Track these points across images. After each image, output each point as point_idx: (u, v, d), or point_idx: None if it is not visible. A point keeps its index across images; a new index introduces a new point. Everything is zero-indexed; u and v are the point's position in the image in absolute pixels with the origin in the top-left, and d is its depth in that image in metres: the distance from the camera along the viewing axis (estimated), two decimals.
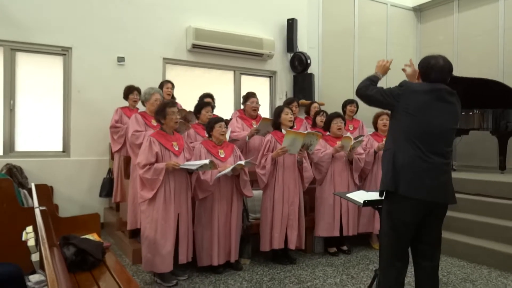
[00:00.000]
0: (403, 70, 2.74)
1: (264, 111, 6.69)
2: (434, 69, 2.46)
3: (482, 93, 6.08)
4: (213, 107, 4.61)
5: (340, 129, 4.48)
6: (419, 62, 2.59)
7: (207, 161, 3.44)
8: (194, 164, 3.48)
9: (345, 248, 4.54)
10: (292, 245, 4.06)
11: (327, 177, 4.44)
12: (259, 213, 4.28)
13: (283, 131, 4.04)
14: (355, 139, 4.36)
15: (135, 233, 4.38)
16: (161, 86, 5.20)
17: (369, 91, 2.59)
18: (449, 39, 8.03)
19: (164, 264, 3.42)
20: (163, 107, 3.59)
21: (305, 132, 3.95)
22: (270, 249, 4.06)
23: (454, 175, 5.55)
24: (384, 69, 2.73)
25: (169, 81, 5.33)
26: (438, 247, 2.57)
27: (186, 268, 3.75)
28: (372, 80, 2.65)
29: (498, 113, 5.84)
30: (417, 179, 2.37)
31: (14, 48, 5.18)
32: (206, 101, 4.65)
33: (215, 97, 5.19)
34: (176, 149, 3.61)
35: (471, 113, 5.99)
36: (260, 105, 4.95)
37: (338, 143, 4.37)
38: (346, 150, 4.36)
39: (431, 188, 2.38)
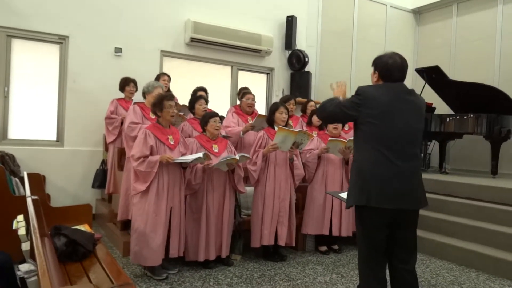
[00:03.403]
0: (331, 86, 2.76)
1: (261, 108, 6.68)
2: (393, 69, 2.43)
3: (477, 98, 6.12)
4: (206, 100, 4.59)
5: (336, 128, 4.49)
6: (375, 62, 2.53)
7: (201, 154, 3.44)
8: (188, 158, 3.48)
9: (335, 247, 4.57)
10: (282, 242, 4.07)
11: (318, 176, 4.45)
12: (251, 210, 4.29)
13: (276, 128, 4.05)
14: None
15: (126, 225, 4.37)
16: (158, 78, 5.19)
17: (328, 109, 2.53)
18: (447, 42, 8.06)
19: (152, 258, 3.41)
20: (161, 100, 3.57)
21: (297, 130, 3.96)
22: (260, 245, 4.07)
23: (446, 178, 5.67)
24: (344, 93, 2.70)
25: (165, 74, 5.31)
26: (413, 251, 2.52)
27: (177, 262, 3.74)
28: (331, 100, 2.58)
29: (493, 118, 5.88)
30: (385, 189, 2.33)
31: (10, 34, 5.12)
32: (199, 95, 4.64)
33: (211, 91, 5.17)
34: (172, 143, 3.60)
35: (465, 117, 6.03)
36: (255, 102, 4.93)
37: (323, 145, 4.39)
38: (333, 151, 4.37)
39: (400, 196, 2.34)
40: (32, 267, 2.04)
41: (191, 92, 5.07)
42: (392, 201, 2.34)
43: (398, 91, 2.43)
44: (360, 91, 2.44)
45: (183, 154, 3.63)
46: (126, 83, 5.13)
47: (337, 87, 2.73)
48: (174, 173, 3.55)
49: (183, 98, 5.31)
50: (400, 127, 2.37)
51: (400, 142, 2.38)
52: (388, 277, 2.55)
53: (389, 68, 2.44)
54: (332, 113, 2.52)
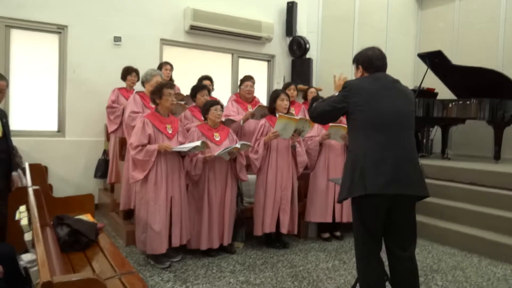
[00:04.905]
0: (334, 77, 2.82)
1: (262, 96, 6.65)
2: (374, 58, 2.52)
3: (480, 82, 6.07)
4: (209, 90, 4.56)
5: None
6: (356, 58, 2.61)
7: (198, 143, 3.43)
8: (186, 146, 3.47)
9: (338, 234, 4.58)
10: (284, 229, 4.08)
11: (320, 163, 4.44)
12: (253, 198, 4.29)
13: (277, 116, 4.03)
14: None
15: (129, 215, 4.39)
16: (160, 67, 5.17)
17: (318, 109, 2.59)
18: (450, 26, 7.95)
19: (153, 245, 3.43)
20: (160, 88, 3.56)
21: (298, 118, 3.94)
22: (262, 233, 4.08)
23: (449, 164, 5.65)
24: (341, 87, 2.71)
25: (168, 63, 5.28)
26: (412, 238, 2.48)
27: (180, 250, 3.76)
28: (323, 101, 2.64)
29: (495, 103, 5.83)
30: (381, 175, 2.30)
31: (9, 24, 5.09)
32: (202, 84, 4.61)
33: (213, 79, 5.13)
34: (170, 131, 3.59)
35: (468, 102, 5.98)
36: (254, 88, 4.89)
37: (324, 131, 4.37)
38: (335, 138, 4.35)
39: (396, 181, 2.30)
40: (35, 257, 2.05)
41: (191, 80, 5.04)
42: (388, 187, 2.30)
43: (384, 79, 2.49)
44: (347, 84, 2.50)
45: (181, 143, 3.63)
46: (128, 72, 5.12)
47: (338, 80, 2.76)
48: (172, 162, 3.55)
49: (184, 86, 5.28)
50: (390, 111, 2.38)
51: (392, 126, 2.38)
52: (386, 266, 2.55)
53: (370, 58, 2.53)
54: (323, 111, 2.58)
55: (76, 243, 2.83)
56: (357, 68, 2.60)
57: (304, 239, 4.51)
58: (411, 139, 2.45)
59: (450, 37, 7.90)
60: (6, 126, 3.32)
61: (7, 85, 3.28)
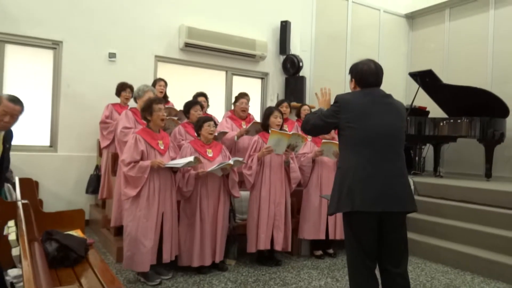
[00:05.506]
0: (316, 95, 2.85)
1: (256, 113, 6.68)
2: (368, 74, 2.51)
3: (470, 101, 6.15)
4: (202, 106, 4.58)
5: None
6: (351, 70, 2.61)
7: (191, 158, 3.42)
8: (179, 162, 3.46)
9: (331, 251, 4.55)
10: (278, 247, 4.05)
11: (313, 179, 4.44)
12: (246, 214, 4.27)
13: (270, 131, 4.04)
14: None
15: (120, 231, 4.33)
16: (154, 84, 5.18)
17: (310, 122, 2.61)
18: (440, 46, 8.11)
19: (143, 263, 3.39)
20: (150, 104, 3.57)
21: (290, 133, 3.96)
22: (256, 250, 4.05)
23: (441, 181, 5.68)
24: (328, 102, 2.74)
25: (162, 79, 5.30)
26: (403, 254, 2.47)
27: (171, 267, 3.71)
28: (314, 113, 2.67)
29: (486, 121, 5.91)
30: (369, 192, 2.31)
31: (3, 40, 5.11)
32: (195, 100, 4.63)
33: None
34: (162, 147, 3.58)
35: (459, 120, 6.06)
36: (249, 106, 4.92)
37: (317, 148, 4.39)
38: (327, 154, 4.37)
39: (384, 198, 2.31)
40: (21, 272, 2.02)
41: (185, 97, 5.06)
42: (376, 204, 2.31)
43: (375, 95, 2.49)
44: (338, 98, 2.51)
45: (173, 159, 3.62)
46: (122, 88, 5.13)
47: (321, 95, 2.80)
48: (165, 177, 3.53)
49: (178, 103, 5.29)
50: (379, 127, 2.39)
51: (381, 142, 2.38)
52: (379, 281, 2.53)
53: (364, 73, 2.52)
54: (314, 125, 2.60)
55: (65, 258, 2.77)
56: (351, 80, 2.61)
57: (297, 257, 4.48)
58: (400, 154, 2.46)
59: (441, 56, 8.05)
60: (6, 152, 3.18)
61: (22, 111, 3.03)
